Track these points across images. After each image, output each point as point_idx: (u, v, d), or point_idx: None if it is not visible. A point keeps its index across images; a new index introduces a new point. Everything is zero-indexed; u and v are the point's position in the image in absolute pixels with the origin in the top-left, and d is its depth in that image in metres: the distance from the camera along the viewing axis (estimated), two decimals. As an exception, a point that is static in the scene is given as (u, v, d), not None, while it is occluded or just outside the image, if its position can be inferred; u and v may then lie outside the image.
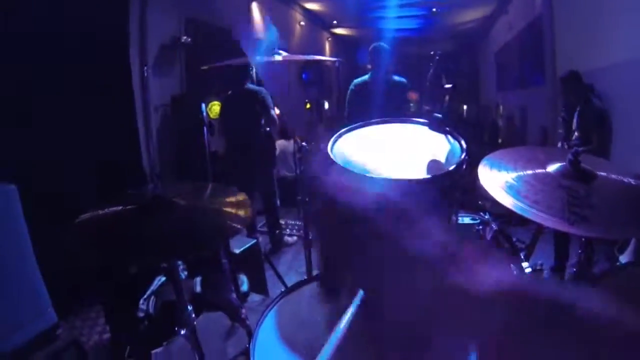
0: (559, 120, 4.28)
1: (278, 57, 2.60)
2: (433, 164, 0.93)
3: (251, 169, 4.18)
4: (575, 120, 4.10)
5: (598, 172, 1.32)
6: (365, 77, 4.35)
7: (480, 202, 2.09)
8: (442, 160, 0.99)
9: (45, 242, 2.63)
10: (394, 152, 1.08)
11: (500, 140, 8.85)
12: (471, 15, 11.23)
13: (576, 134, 4.06)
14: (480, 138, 9.43)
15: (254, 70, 4.31)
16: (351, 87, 4.41)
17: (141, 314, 2.28)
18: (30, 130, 3.12)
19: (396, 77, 4.31)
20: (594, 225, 1.13)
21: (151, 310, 2.28)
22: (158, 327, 2.14)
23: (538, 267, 2.54)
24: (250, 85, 4.30)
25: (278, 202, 4.68)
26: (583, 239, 1.54)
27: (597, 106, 4.05)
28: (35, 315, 2.70)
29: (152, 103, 5.02)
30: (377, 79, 4.20)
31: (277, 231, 4.67)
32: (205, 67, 4.27)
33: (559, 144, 4.03)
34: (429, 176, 0.85)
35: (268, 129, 4.35)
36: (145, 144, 4.91)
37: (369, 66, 4.38)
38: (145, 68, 4.84)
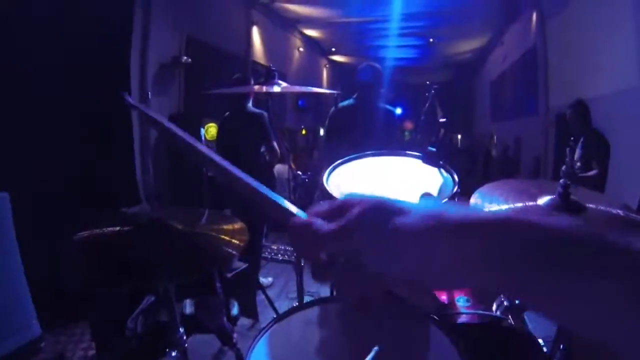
0: (567, 150, 4.30)
1: (277, 88, 2.59)
2: (425, 197, 0.95)
3: (242, 197, 3.93)
4: (578, 150, 4.14)
5: (587, 204, 1.35)
6: (351, 100, 3.82)
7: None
8: (435, 193, 1.01)
9: (35, 255, 2.63)
10: (387, 184, 1.10)
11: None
12: (468, 46, 11.45)
13: (578, 163, 4.10)
14: (474, 168, 9.50)
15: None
16: (333, 110, 3.93)
17: (129, 333, 2.26)
18: (25, 144, 3.13)
19: (385, 106, 3.82)
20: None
21: (139, 329, 2.26)
22: (146, 347, 2.12)
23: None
24: (250, 108, 4.07)
25: (263, 240, 4.47)
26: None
27: (600, 136, 4.09)
28: (20, 326, 2.67)
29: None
30: (362, 106, 3.72)
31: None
32: (206, 92, 4.17)
33: (563, 168, 4.05)
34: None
35: (267, 157, 4.03)
36: (140, 163, 4.90)
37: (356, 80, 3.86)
38: (150, 94, 4.84)
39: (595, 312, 0.34)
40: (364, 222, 0.42)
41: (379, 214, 0.43)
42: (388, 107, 3.85)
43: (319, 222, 0.45)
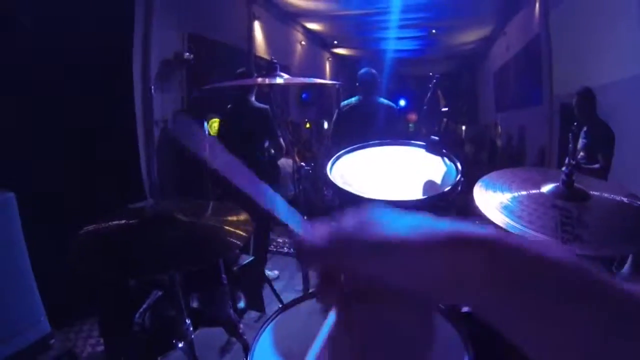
0: (569, 136, 4.25)
1: (279, 80, 2.58)
2: (429, 185, 0.95)
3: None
4: (582, 139, 4.12)
5: (591, 192, 1.34)
6: (353, 99, 4.31)
7: (477, 222, 2.11)
8: (438, 181, 1.01)
9: (43, 253, 2.65)
10: (391, 173, 1.10)
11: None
12: (470, 37, 11.37)
13: (581, 153, 4.08)
14: (479, 158, 9.47)
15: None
16: (339, 109, 4.40)
17: (137, 328, 2.28)
18: (29, 141, 3.15)
19: (384, 101, 4.29)
20: (586, 244, 1.15)
21: (147, 324, 2.28)
22: (154, 341, 2.14)
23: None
24: (254, 102, 4.04)
25: (269, 233, 4.46)
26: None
27: (605, 126, 4.04)
28: (29, 324, 2.70)
29: (154, 118, 5.04)
30: (364, 104, 4.19)
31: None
32: (206, 87, 4.13)
33: (566, 160, 4.03)
34: (424, 197, 0.87)
35: (272, 151, 4.11)
36: (145, 158, 4.91)
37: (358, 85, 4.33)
38: (152, 88, 4.84)
39: (567, 340, 0.35)
40: (355, 235, 0.42)
41: (371, 226, 0.43)
42: (390, 103, 4.26)
43: (315, 238, 0.45)
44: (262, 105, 4.03)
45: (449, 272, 0.38)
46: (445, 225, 0.41)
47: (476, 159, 9.18)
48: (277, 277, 4.54)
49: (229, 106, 4.27)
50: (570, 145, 4.23)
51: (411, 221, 0.42)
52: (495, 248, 0.38)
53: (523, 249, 0.38)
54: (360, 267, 0.42)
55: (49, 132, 3.26)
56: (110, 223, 1.39)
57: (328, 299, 0.48)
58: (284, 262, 4.90)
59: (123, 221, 1.38)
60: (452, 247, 0.39)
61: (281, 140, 4.00)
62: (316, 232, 0.47)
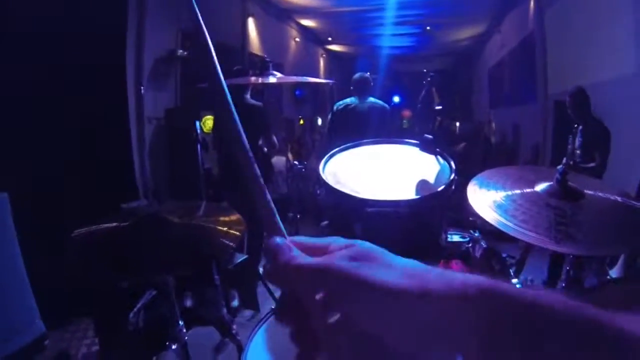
0: (569, 137, 4.26)
1: (273, 79, 2.57)
2: (422, 185, 0.95)
3: (242, 191, 3.84)
4: (577, 138, 4.11)
5: (585, 191, 1.34)
6: (348, 100, 4.48)
7: (471, 219, 2.11)
8: (432, 180, 1.00)
9: (37, 253, 2.64)
10: (384, 172, 1.09)
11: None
12: (465, 34, 11.40)
13: (578, 152, 4.08)
14: (472, 155, 9.48)
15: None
16: (333, 109, 4.55)
17: (131, 327, 2.27)
18: (23, 141, 3.13)
19: (377, 101, 4.47)
20: (579, 243, 1.15)
21: (141, 324, 2.27)
22: (148, 341, 2.13)
23: (528, 283, 2.54)
24: (248, 100, 3.99)
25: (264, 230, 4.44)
26: (571, 256, 1.56)
27: (601, 125, 4.04)
28: (24, 325, 2.68)
29: (146, 115, 5.02)
30: (358, 104, 4.38)
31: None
32: (201, 85, 4.12)
33: (564, 160, 4.02)
34: (417, 196, 0.86)
35: (265, 150, 4.07)
36: (138, 158, 4.90)
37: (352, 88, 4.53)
38: (142, 88, 4.82)
39: None
40: (342, 268, 0.40)
41: (362, 264, 0.40)
42: (382, 103, 4.47)
43: (297, 253, 0.43)
44: (255, 103, 4.02)
45: (440, 321, 0.37)
46: (438, 273, 0.39)
47: (470, 156, 9.19)
48: None
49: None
50: (570, 146, 4.24)
51: (405, 267, 0.41)
52: (492, 297, 0.37)
53: (520, 298, 0.36)
54: (342, 306, 0.39)
55: (42, 133, 3.24)
56: (103, 225, 1.38)
57: (289, 322, 0.44)
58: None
59: (115, 223, 1.37)
60: (446, 296, 0.37)
61: (274, 137, 4.03)
62: (303, 249, 0.44)
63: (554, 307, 0.35)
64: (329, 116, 4.61)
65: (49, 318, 2.89)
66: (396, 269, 0.40)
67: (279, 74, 2.62)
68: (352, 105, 4.41)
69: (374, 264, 0.41)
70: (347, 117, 4.33)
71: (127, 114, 4.67)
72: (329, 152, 1.25)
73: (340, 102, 4.52)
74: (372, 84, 4.58)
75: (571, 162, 3.95)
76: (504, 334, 0.35)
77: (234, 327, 2.07)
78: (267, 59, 2.73)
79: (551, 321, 0.34)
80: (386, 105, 4.51)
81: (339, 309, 0.39)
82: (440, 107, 1.49)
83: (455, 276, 0.39)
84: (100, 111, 3.83)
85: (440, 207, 1.00)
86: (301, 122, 9.97)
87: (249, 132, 0.49)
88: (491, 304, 0.36)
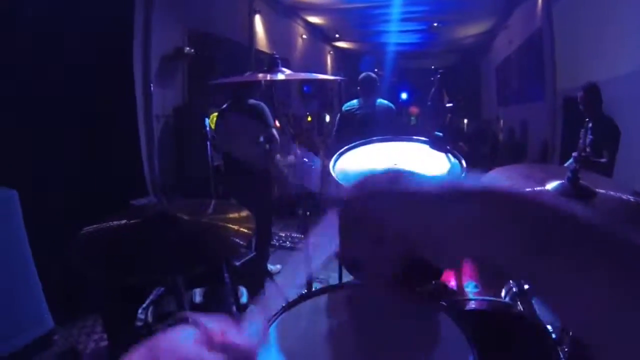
0: (581, 132, 4.23)
1: (281, 76, 2.56)
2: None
3: (248, 188, 3.91)
4: (588, 134, 4.08)
5: (597, 190, 1.32)
6: (354, 102, 4.57)
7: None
8: (443, 178, 1.00)
9: (46, 250, 2.66)
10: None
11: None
12: (472, 30, 11.31)
13: (587, 149, 4.05)
14: (481, 152, 9.43)
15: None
16: (342, 111, 4.65)
17: (139, 324, 2.28)
18: (32, 140, 3.14)
19: (383, 102, 4.56)
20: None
21: (150, 319, 2.28)
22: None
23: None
24: (250, 100, 4.02)
25: (271, 227, 4.49)
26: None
27: (611, 122, 4.02)
28: (33, 320, 2.71)
29: (154, 113, 5.03)
30: (364, 105, 4.47)
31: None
32: (212, 82, 4.08)
33: (574, 154, 3.96)
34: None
35: (268, 146, 4.01)
36: (147, 155, 4.91)
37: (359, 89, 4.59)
38: (152, 86, 4.82)
39: (580, 297, 0.36)
40: (384, 184, 0.47)
41: (398, 179, 0.47)
42: (388, 104, 4.56)
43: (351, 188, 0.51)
44: (255, 102, 4.02)
45: (463, 220, 0.41)
46: (466, 180, 0.45)
47: (478, 154, 9.14)
48: (279, 272, 4.54)
49: (224, 105, 4.21)
50: (581, 142, 4.22)
51: (433, 178, 0.47)
52: (508, 200, 0.41)
53: (544, 207, 0.40)
54: (387, 213, 0.46)
55: (51, 130, 3.25)
56: (112, 223, 1.38)
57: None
58: (286, 256, 4.89)
59: (125, 221, 1.38)
60: (465, 198, 0.42)
61: (274, 131, 3.99)
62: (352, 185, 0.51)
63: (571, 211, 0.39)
64: (337, 117, 4.71)
65: (58, 314, 2.91)
66: (427, 180, 0.47)
67: (287, 71, 2.61)
68: (357, 109, 4.50)
69: (409, 178, 0.48)
70: (352, 121, 4.43)
71: (135, 112, 4.69)
72: (338, 151, 1.24)
73: (347, 105, 4.60)
74: (378, 83, 4.63)
75: (583, 154, 3.93)
76: (518, 239, 0.38)
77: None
78: (276, 56, 2.72)
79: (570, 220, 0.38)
80: (392, 106, 4.57)
81: (394, 222, 0.46)
82: (451, 105, 1.48)
83: (483, 182, 0.45)
84: (109, 109, 3.85)
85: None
86: (309, 118, 9.96)
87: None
88: (508, 201, 0.41)
